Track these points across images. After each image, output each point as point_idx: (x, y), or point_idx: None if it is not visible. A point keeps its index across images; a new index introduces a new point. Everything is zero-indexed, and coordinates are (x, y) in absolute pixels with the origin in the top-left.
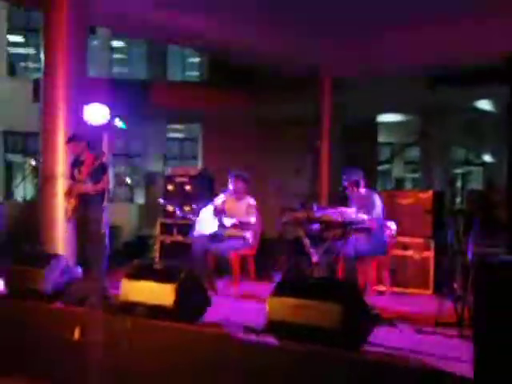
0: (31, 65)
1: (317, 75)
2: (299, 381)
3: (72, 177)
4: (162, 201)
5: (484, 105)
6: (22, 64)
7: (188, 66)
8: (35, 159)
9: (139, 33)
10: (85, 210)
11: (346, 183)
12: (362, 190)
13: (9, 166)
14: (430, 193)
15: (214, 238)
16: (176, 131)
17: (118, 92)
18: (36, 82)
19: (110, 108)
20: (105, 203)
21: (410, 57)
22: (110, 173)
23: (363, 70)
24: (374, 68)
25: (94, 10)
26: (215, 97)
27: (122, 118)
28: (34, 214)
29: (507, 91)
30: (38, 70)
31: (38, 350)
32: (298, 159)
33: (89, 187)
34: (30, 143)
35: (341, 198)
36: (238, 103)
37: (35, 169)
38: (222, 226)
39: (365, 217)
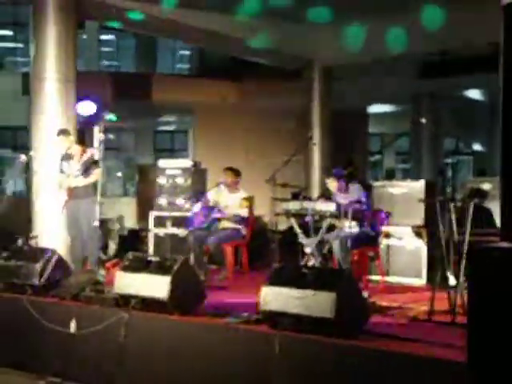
0: (20, 59)
1: (307, 65)
2: (295, 369)
3: (62, 170)
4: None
5: (474, 94)
6: (11, 58)
7: (178, 58)
8: (25, 154)
9: (127, 26)
10: (76, 203)
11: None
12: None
13: None
14: (422, 182)
15: (208, 230)
16: (166, 124)
17: (107, 85)
18: (25, 76)
19: (100, 102)
20: (97, 197)
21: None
22: (102, 166)
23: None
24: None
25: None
26: (206, 89)
27: (112, 112)
28: (24, 209)
29: (497, 80)
30: (27, 64)
31: (33, 345)
32: (290, 150)
33: (80, 181)
34: (19, 138)
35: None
36: (229, 95)
37: (25, 163)
38: (215, 218)
39: (357, 207)
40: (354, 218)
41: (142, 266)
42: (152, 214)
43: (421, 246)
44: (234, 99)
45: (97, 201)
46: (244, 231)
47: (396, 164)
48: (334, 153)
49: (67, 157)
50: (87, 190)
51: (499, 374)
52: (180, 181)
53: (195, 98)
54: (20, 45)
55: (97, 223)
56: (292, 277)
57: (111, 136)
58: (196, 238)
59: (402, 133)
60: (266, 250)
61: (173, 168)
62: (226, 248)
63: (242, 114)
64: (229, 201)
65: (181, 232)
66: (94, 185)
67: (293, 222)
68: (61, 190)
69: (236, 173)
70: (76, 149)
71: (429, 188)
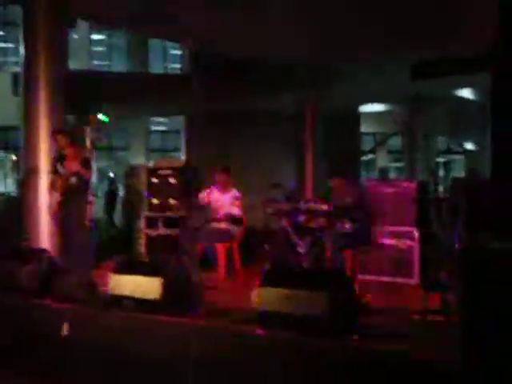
0: (10, 59)
1: (298, 65)
2: (289, 369)
3: (55, 171)
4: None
5: (466, 93)
6: (1, 58)
7: (169, 58)
8: (16, 154)
9: (119, 24)
10: (69, 204)
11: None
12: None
13: None
14: (415, 182)
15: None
16: (158, 124)
17: (98, 85)
18: (15, 76)
19: (92, 102)
20: (90, 197)
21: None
22: (93, 167)
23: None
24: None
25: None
26: (197, 89)
27: (104, 112)
28: (16, 210)
29: (489, 80)
30: (17, 63)
31: (25, 347)
32: (283, 151)
33: (73, 181)
34: (10, 138)
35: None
36: (221, 95)
37: (16, 164)
38: (207, 218)
39: (350, 206)
40: (347, 218)
41: (135, 267)
42: (144, 215)
43: (413, 246)
44: (226, 99)
45: (89, 201)
46: (236, 231)
47: (389, 163)
48: (326, 153)
49: (61, 157)
50: (80, 190)
51: (493, 374)
52: (172, 181)
53: (187, 97)
54: (10, 45)
55: (90, 223)
56: (286, 277)
57: (103, 136)
58: (188, 239)
59: (394, 132)
60: (259, 251)
61: (165, 168)
62: (219, 248)
63: (234, 114)
64: (221, 200)
65: (173, 232)
66: (87, 185)
67: (285, 222)
68: (54, 190)
69: (227, 172)
70: (70, 149)
71: (422, 188)
